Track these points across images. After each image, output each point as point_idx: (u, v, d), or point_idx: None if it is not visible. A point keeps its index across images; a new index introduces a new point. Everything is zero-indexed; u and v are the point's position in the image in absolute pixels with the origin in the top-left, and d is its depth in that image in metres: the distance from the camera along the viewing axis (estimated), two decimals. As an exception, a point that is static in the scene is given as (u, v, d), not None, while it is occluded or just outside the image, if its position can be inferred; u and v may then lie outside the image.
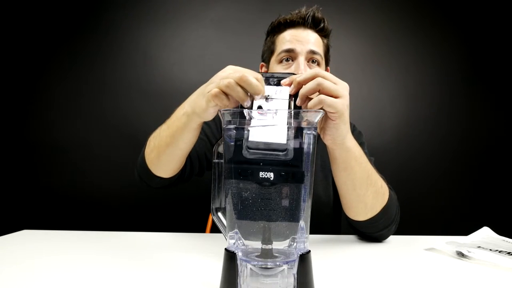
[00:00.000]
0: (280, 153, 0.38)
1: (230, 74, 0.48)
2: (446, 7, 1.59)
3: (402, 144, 1.55)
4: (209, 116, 0.55)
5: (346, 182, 0.63)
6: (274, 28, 0.88)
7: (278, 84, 0.50)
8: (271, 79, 0.50)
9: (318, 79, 0.51)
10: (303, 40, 0.82)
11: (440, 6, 1.59)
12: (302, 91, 0.50)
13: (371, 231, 0.69)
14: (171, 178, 0.73)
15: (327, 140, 0.58)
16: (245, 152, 0.38)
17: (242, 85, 0.46)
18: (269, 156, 0.38)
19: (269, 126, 0.39)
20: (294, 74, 0.51)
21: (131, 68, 1.48)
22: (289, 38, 0.83)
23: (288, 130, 0.39)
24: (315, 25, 0.84)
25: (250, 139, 0.38)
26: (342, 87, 0.53)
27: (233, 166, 0.38)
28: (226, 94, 0.49)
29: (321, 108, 0.51)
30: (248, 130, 0.39)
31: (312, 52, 0.82)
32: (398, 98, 1.56)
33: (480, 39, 1.59)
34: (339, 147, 0.59)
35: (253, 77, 0.46)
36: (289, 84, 0.50)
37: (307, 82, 0.51)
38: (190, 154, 0.75)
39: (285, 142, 0.38)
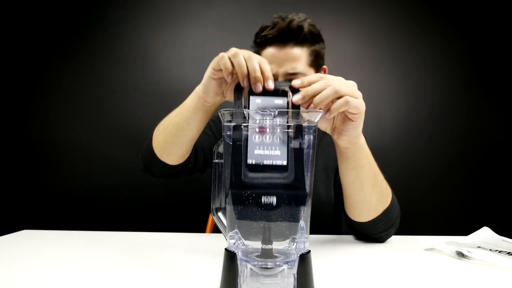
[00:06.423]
0: (281, 175, 0.37)
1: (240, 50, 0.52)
2: (446, 7, 1.59)
3: (402, 144, 1.55)
4: (210, 87, 0.57)
5: (355, 181, 0.63)
6: (256, 44, 0.85)
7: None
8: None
9: (335, 87, 0.49)
10: (280, 61, 0.79)
11: (440, 6, 1.59)
12: (318, 100, 0.49)
13: (370, 233, 0.69)
14: (175, 167, 0.73)
15: (343, 140, 0.58)
16: (244, 176, 0.37)
17: (246, 58, 0.49)
18: (269, 179, 0.37)
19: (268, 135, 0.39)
20: (290, 84, 0.50)
21: (131, 68, 1.48)
22: (268, 59, 0.80)
23: (288, 150, 0.38)
24: (294, 37, 0.79)
25: (249, 161, 0.37)
26: (355, 87, 0.53)
27: (234, 192, 0.37)
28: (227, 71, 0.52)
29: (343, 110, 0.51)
30: (247, 148, 0.38)
31: (290, 74, 0.79)
32: (398, 98, 1.56)
33: (480, 39, 1.59)
34: (354, 146, 0.59)
35: (257, 61, 0.49)
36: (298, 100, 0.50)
37: (319, 93, 0.50)
38: (196, 146, 0.76)
39: (285, 163, 0.37)
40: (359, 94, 0.52)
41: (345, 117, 0.55)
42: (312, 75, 0.52)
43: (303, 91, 0.49)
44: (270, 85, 0.47)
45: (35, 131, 1.45)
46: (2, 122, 1.44)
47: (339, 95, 0.50)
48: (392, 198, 0.68)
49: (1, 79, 1.45)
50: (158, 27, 1.49)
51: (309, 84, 0.50)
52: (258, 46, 0.85)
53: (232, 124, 0.39)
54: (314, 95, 0.49)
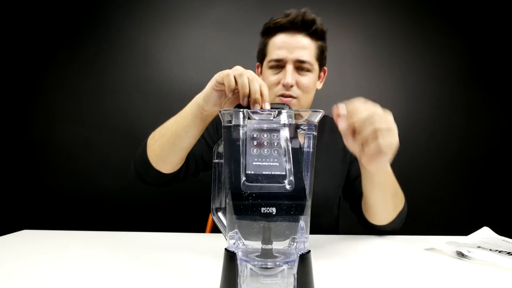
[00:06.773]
0: (280, 184, 0.38)
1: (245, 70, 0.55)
2: (446, 7, 1.59)
3: (402, 144, 1.52)
4: (211, 97, 0.59)
5: (379, 196, 0.70)
6: (266, 32, 0.87)
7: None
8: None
9: (375, 125, 0.51)
10: (292, 47, 0.82)
11: (440, 6, 1.59)
12: (360, 138, 0.52)
13: (384, 229, 0.76)
14: (168, 176, 0.73)
15: (372, 166, 0.58)
16: (244, 187, 0.37)
17: (249, 80, 0.52)
18: (269, 188, 0.37)
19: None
20: (287, 105, 0.51)
21: (131, 68, 1.48)
22: (278, 45, 0.83)
23: (286, 160, 0.39)
24: (306, 28, 0.82)
25: (247, 171, 0.38)
26: (391, 118, 0.54)
27: (234, 203, 0.37)
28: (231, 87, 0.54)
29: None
30: (245, 160, 0.38)
31: (300, 61, 0.82)
32: (398, 98, 1.56)
33: (480, 39, 1.59)
34: (381, 171, 0.65)
35: (259, 84, 0.52)
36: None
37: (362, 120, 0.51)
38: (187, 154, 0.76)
39: (284, 173, 0.38)
40: (395, 127, 0.54)
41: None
42: (355, 102, 0.53)
43: (347, 120, 0.52)
44: (267, 107, 0.52)
45: (36, 131, 1.45)
46: (2, 122, 1.44)
47: (376, 131, 0.52)
48: (404, 200, 0.76)
49: (1, 79, 1.45)
50: (158, 27, 1.49)
51: (353, 110, 0.52)
52: (267, 34, 0.87)
53: (232, 124, 0.39)
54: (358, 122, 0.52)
